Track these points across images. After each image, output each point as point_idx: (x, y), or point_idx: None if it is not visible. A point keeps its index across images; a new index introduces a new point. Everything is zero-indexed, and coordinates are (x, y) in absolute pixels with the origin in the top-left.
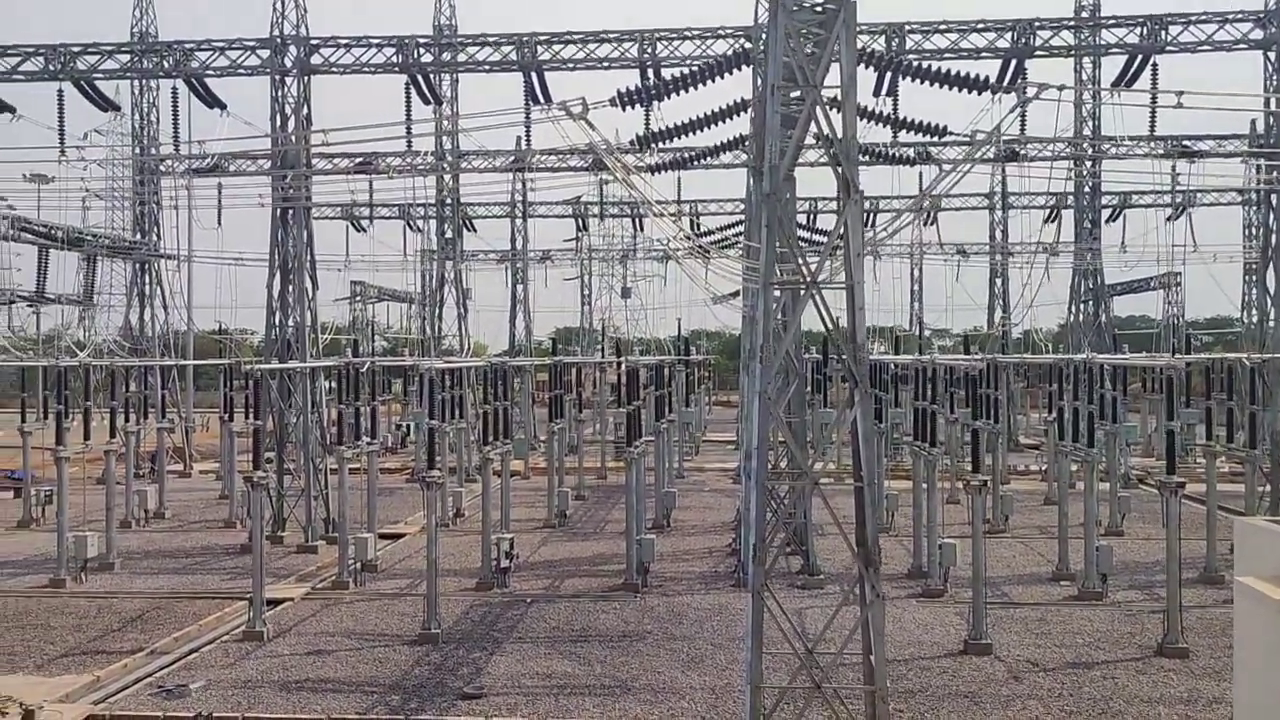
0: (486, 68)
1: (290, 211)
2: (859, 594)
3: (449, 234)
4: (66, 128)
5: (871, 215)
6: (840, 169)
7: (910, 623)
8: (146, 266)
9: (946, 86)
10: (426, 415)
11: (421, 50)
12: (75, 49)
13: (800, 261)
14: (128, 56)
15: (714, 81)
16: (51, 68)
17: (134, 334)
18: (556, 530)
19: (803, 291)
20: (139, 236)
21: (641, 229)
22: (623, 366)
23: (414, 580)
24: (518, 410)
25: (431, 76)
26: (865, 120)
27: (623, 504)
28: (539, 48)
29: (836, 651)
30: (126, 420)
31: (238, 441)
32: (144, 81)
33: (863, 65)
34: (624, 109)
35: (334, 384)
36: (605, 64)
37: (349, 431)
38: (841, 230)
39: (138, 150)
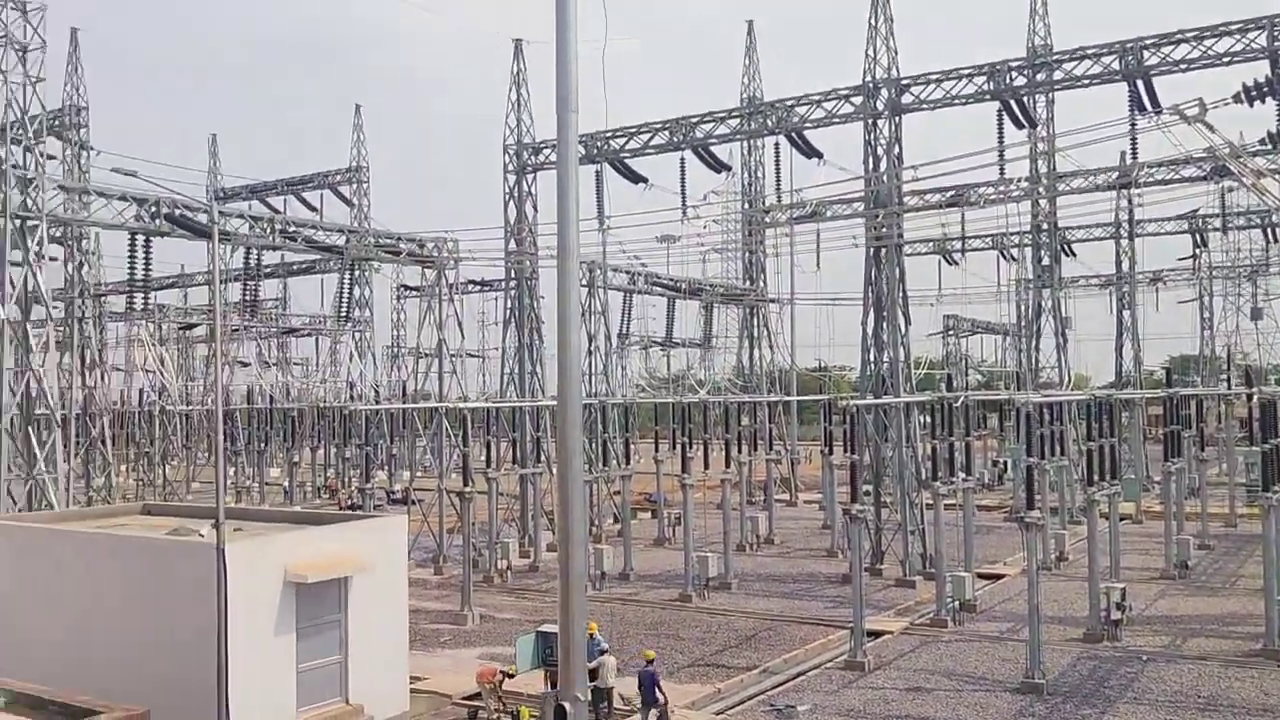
0: (1085, 83)
1: (883, 250)
2: None
3: (1046, 260)
4: (687, 190)
5: None
6: None
7: None
8: (755, 310)
9: None
10: (1024, 452)
11: (1014, 74)
12: (694, 119)
13: None
14: (737, 120)
15: None
16: (675, 139)
17: (744, 372)
18: (1176, 582)
19: None
20: (748, 283)
21: (1275, 239)
22: (1254, 398)
23: (1014, 624)
24: (1127, 448)
25: (1025, 99)
26: None
27: (1258, 557)
28: (1144, 53)
29: None
30: (739, 451)
31: (837, 474)
32: (751, 141)
33: None
34: (1250, 104)
35: (928, 418)
36: (1225, 59)
37: (944, 467)
38: None
39: (746, 205)
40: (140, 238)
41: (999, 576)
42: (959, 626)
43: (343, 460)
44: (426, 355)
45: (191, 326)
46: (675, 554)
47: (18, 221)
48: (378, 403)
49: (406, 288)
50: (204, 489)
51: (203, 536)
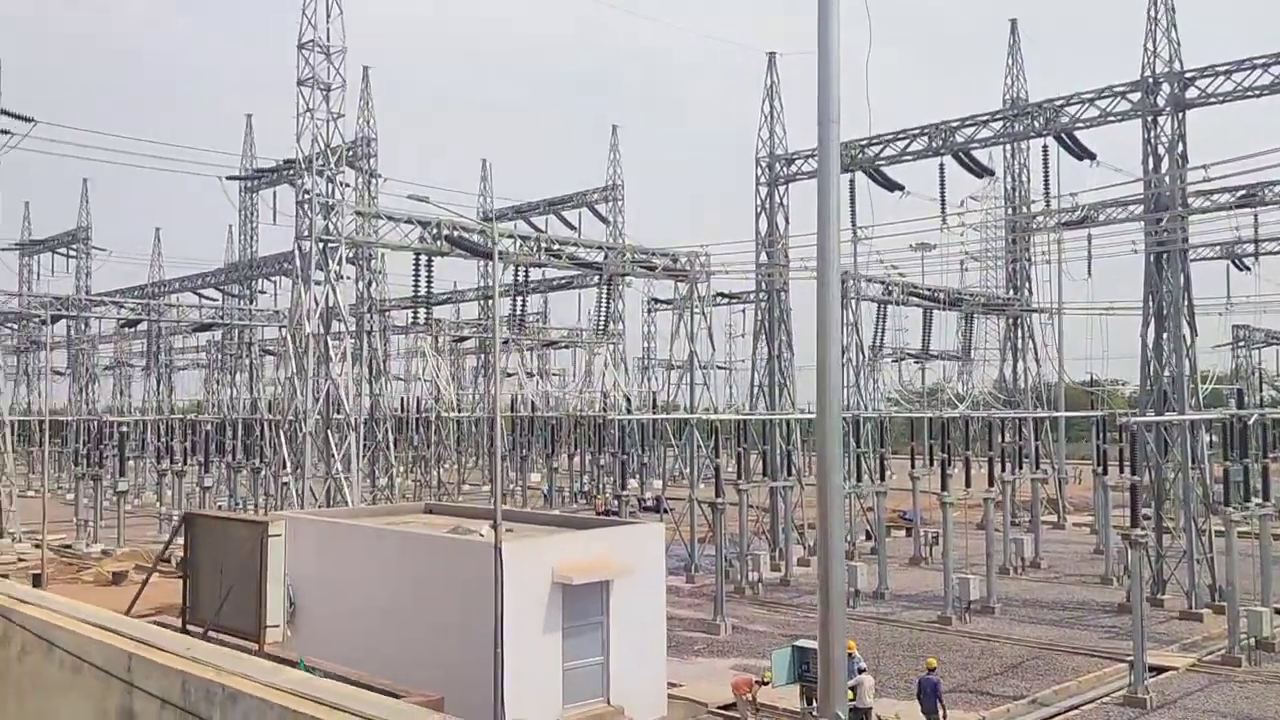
0: None
1: (1165, 255)
2: None
3: None
4: (947, 196)
5: None
6: None
7: None
8: (1019, 321)
9: None
10: None
11: None
12: (954, 123)
13: None
14: (1000, 123)
15: None
16: (934, 144)
17: (1007, 386)
18: None
19: None
20: (1011, 293)
21: None
22: None
23: None
24: None
25: None
26: None
27: None
28: None
29: None
30: (1003, 469)
31: (1111, 495)
32: (1015, 145)
33: None
34: None
35: (1216, 438)
36: None
37: (1235, 491)
38: None
39: (1009, 211)
40: (423, 258)
41: None
42: (1255, 666)
43: (598, 467)
44: (675, 367)
45: (464, 339)
46: (932, 574)
47: (321, 245)
48: (629, 413)
49: (657, 301)
50: (472, 490)
51: (482, 536)
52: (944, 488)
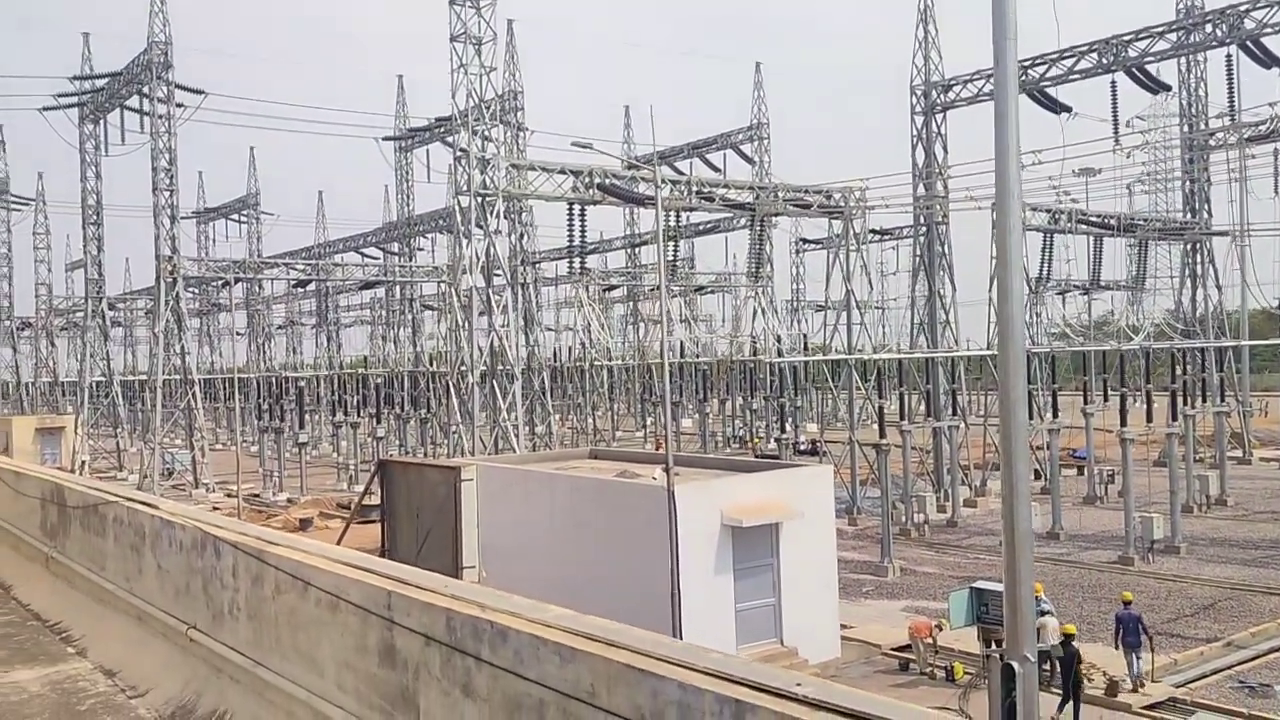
0: None
1: None
2: None
3: None
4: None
5: None
6: None
7: None
8: (1197, 246)
9: None
10: None
11: None
12: (1126, 37)
13: None
14: (1177, 34)
15: None
16: (1104, 60)
17: (1184, 316)
18: None
19: None
20: (1189, 216)
21: None
22: None
23: None
24: None
25: None
26: None
27: None
28: None
29: None
30: (1186, 403)
31: None
32: (1190, 56)
33: None
34: None
35: None
36: None
37: None
38: None
39: (1185, 128)
40: (576, 207)
41: None
42: None
43: (750, 412)
44: (825, 308)
45: (613, 288)
46: (1108, 514)
47: (479, 199)
48: (779, 355)
49: (805, 241)
50: (625, 436)
51: (655, 480)
52: (1123, 423)
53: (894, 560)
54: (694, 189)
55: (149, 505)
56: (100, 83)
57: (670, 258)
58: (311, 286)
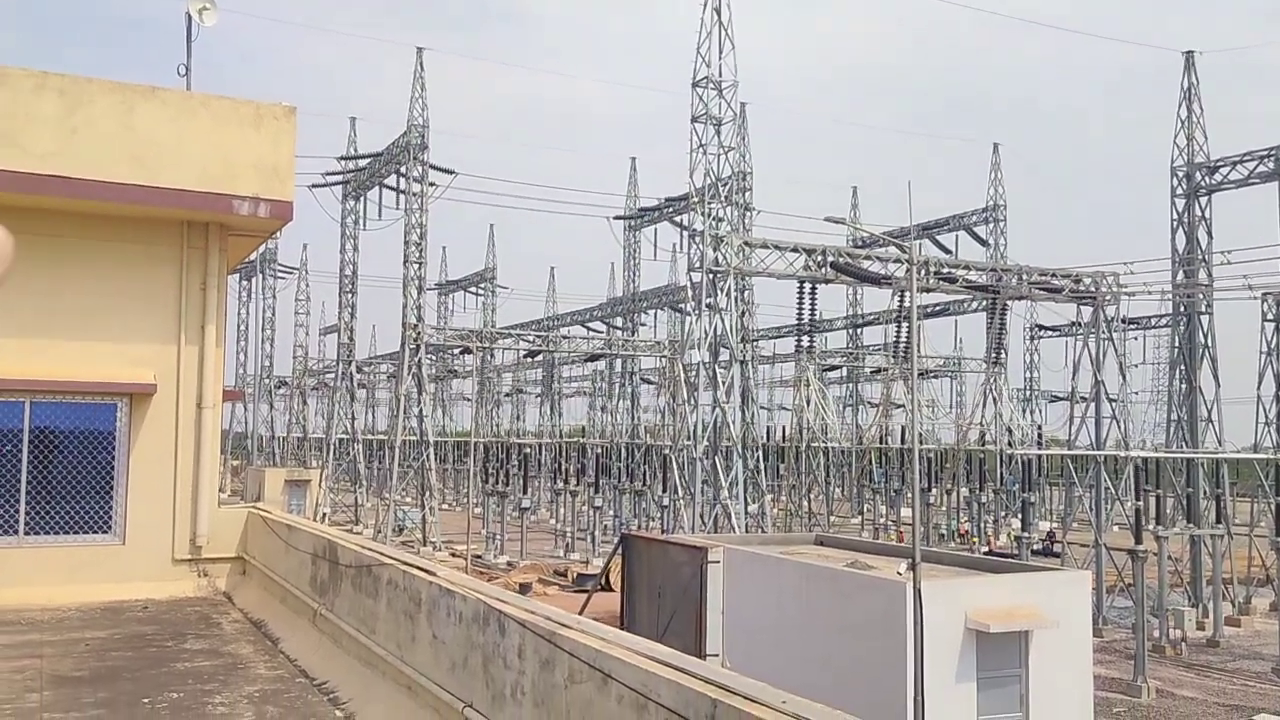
0: None
1: None
2: None
3: None
4: None
5: None
6: None
7: None
8: None
9: None
10: None
11: None
12: None
13: None
14: None
15: None
16: None
17: None
18: None
19: None
20: None
21: None
22: None
23: None
24: None
25: None
26: None
27: None
28: None
29: None
30: None
31: None
32: None
33: None
34: None
35: None
36: None
37: None
38: None
39: None
40: (806, 285)
41: None
42: None
43: (977, 505)
44: (1060, 399)
45: (834, 368)
46: None
47: (710, 276)
48: (1010, 446)
49: (1042, 327)
50: (838, 522)
51: (900, 575)
52: None
53: (1148, 680)
54: (933, 269)
55: (426, 571)
56: (363, 163)
57: (900, 340)
58: (540, 357)
